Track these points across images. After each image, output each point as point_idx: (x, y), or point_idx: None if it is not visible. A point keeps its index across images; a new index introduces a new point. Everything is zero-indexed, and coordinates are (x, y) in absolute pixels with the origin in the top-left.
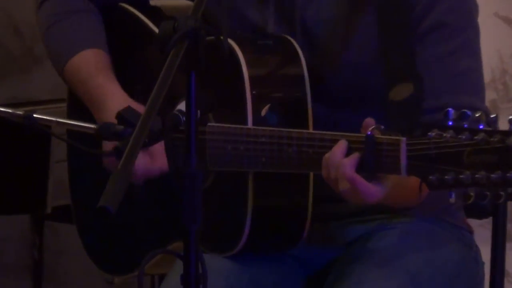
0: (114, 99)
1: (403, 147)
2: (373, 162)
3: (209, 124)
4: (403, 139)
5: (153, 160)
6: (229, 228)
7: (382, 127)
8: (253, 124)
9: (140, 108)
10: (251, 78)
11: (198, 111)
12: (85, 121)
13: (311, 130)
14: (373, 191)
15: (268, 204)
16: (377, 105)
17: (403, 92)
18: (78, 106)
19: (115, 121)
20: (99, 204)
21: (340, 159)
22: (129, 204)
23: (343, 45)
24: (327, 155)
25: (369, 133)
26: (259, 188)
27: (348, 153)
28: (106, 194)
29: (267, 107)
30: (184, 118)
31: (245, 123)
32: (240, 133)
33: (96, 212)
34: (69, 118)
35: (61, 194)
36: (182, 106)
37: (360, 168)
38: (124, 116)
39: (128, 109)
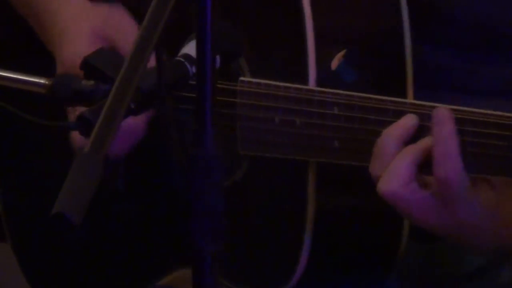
0: (67, 8)
1: None
2: None
3: (241, 79)
4: None
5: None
6: (275, 250)
7: None
8: (318, 83)
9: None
10: (313, 3)
11: (218, 56)
12: (29, 72)
13: (411, 100)
14: (435, 210)
15: (338, 209)
16: None
17: None
18: (14, 44)
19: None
20: (54, 211)
21: (393, 148)
22: (101, 210)
23: None
24: (380, 138)
25: None
26: (324, 187)
27: (416, 136)
28: (65, 195)
29: (340, 54)
30: (194, 68)
31: (305, 80)
32: (295, 97)
33: (49, 224)
34: None
35: None
36: (190, 48)
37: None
38: (95, 64)
39: (101, 52)
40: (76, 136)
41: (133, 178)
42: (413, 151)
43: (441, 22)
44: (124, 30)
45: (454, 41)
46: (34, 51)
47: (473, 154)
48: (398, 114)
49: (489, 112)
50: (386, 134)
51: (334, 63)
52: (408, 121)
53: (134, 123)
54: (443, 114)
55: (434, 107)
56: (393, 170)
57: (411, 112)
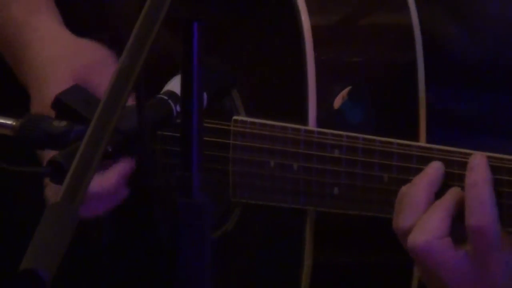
0: (46, 44)
1: None
2: None
3: (235, 118)
4: None
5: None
6: None
7: None
8: (318, 122)
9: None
10: (315, 33)
11: (205, 94)
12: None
13: (423, 143)
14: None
15: (338, 263)
16: None
17: None
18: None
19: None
20: (23, 267)
21: (424, 199)
22: (84, 265)
23: None
24: (405, 188)
25: None
26: (323, 238)
27: (442, 190)
28: (35, 250)
29: (345, 92)
30: (178, 107)
31: (304, 120)
32: (293, 138)
33: (17, 281)
34: None
35: None
36: (174, 85)
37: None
38: (68, 103)
39: (75, 90)
40: (50, 184)
41: (119, 231)
42: (446, 203)
43: (458, 62)
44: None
45: (473, 82)
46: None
47: (509, 206)
48: (405, 158)
49: None
50: (415, 184)
51: (337, 102)
52: (438, 169)
53: (112, 186)
54: (477, 160)
55: (444, 150)
56: (428, 222)
57: (418, 156)
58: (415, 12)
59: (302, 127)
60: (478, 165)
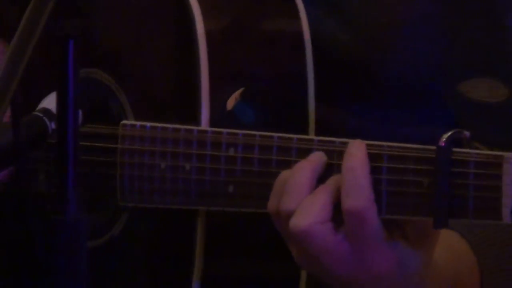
0: None
1: (509, 171)
2: (448, 198)
3: (123, 122)
4: (508, 155)
5: None
6: None
7: (467, 133)
8: (212, 123)
9: None
10: (209, 37)
11: (80, 111)
12: None
13: (313, 136)
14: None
15: (230, 265)
16: (441, 106)
17: (492, 90)
18: None
19: None
20: None
21: (305, 185)
22: None
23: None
24: (287, 172)
25: (442, 144)
26: (214, 241)
27: (324, 176)
28: None
29: (237, 93)
30: (53, 124)
31: (197, 122)
32: (185, 139)
33: None
34: None
35: None
36: (49, 102)
37: (391, 206)
38: None
39: None
40: None
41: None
42: (328, 188)
43: (346, 71)
44: None
45: (363, 93)
46: None
47: (388, 193)
48: (304, 154)
49: (408, 145)
50: (300, 169)
51: (230, 103)
52: (320, 157)
53: None
54: (355, 145)
55: (344, 142)
56: (310, 206)
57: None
58: (306, 19)
59: (195, 128)
60: (356, 149)
